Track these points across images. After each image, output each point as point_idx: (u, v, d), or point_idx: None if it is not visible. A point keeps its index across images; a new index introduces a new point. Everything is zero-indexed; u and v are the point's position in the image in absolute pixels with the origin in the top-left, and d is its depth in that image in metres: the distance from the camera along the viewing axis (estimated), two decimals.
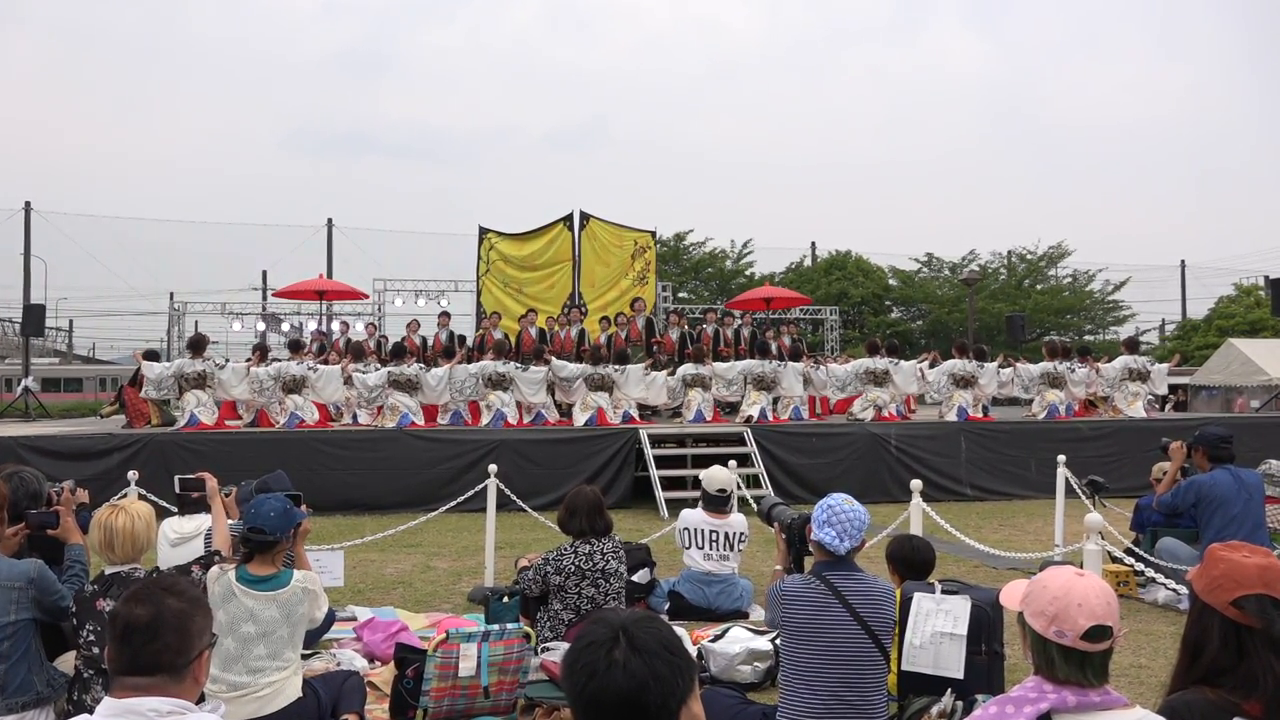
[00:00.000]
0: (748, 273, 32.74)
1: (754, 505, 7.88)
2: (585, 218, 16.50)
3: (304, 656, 3.85)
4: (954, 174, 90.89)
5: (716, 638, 4.62)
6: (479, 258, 16.35)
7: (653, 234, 17.04)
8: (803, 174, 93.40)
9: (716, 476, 5.81)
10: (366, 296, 18.48)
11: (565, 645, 4.11)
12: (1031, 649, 1.93)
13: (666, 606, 5.62)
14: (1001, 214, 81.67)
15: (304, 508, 3.95)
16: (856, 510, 3.23)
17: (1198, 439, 5.82)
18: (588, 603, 4.44)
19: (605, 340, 13.43)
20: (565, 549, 4.53)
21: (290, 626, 3.43)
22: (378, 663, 4.63)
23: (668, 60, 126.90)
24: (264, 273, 33.47)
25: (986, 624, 3.58)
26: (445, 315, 15.41)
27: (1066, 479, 7.39)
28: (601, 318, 14.93)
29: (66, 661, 3.70)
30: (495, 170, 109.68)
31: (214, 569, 3.54)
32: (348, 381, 11.41)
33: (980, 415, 11.99)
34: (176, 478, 4.49)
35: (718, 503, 5.78)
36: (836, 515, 3.20)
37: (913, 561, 4.05)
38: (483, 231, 16.42)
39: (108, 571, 3.55)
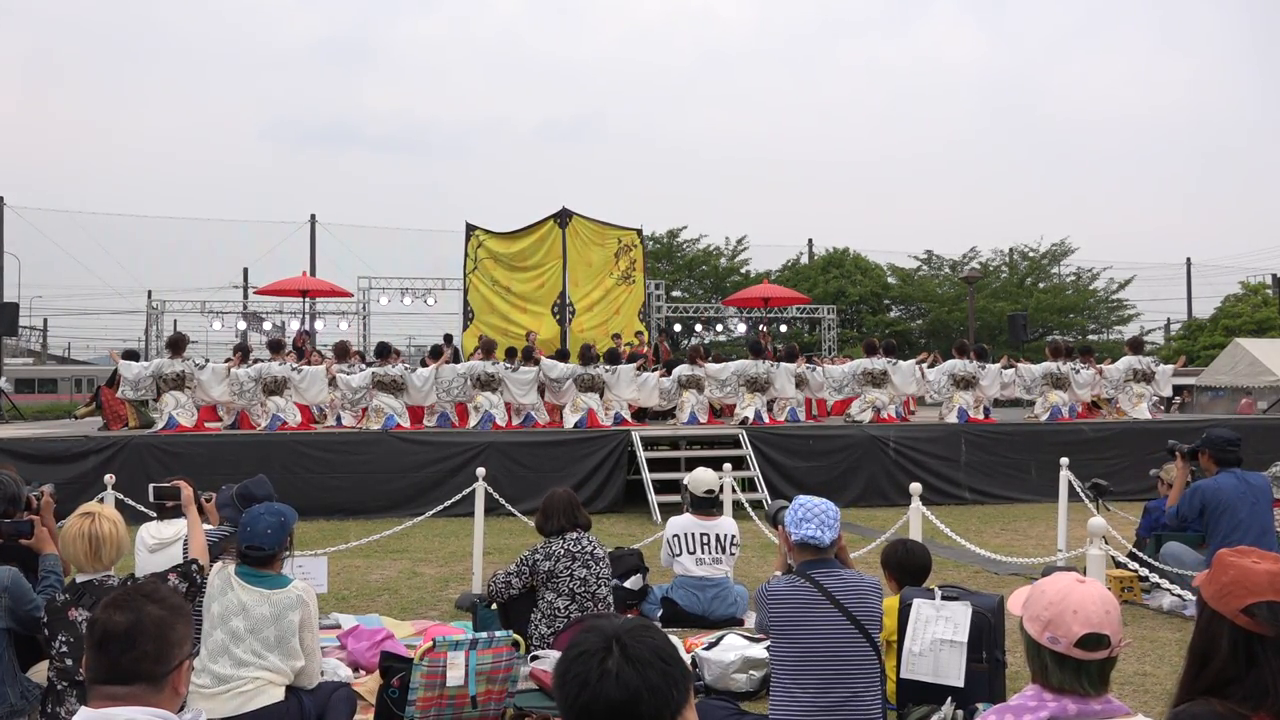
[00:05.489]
0: (743, 270, 32.61)
1: (748, 509, 7.83)
2: (569, 215, 16.19)
3: None
4: (954, 168, 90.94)
5: (711, 645, 4.57)
6: (466, 255, 16.09)
7: (638, 232, 16.72)
8: (798, 169, 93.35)
9: (702, 478, 5.72)
10: (350, 295, 18.39)
11: (556, 654, 4.04)
12: (1027, 654, 1.91)
13: (660, 613, 5.54)
14: (1003, 210, 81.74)
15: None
16: (826, 503, 3.32)
17: (1205, 442, 5.71)
18: (580, 584, 4.48)
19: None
20: (551, 539, 4.63)
21: (278, 630, 3.39)
22: (362, 672, 4.58)
23: (658, 52, 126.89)
24: (245, 270, 33.52)
25: (987, 631, 3.55)
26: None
27: (1069, 482, 7.27)
28: (614, 334, 14.94)
29: (40, 672, 3.62)
30: (484, 164, 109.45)
31: (217, 563, 3.58)
32: (332, 382, 11.26)
33: (981, 417, 11.88)
34: (151, 485, 4.40)
35: (705, 505, 5.71)
36: (810, 511, 3.28)
37: (908, 566, 3.97)
38: (470, 228, 16.16)
39: (79, 580, 3.47)
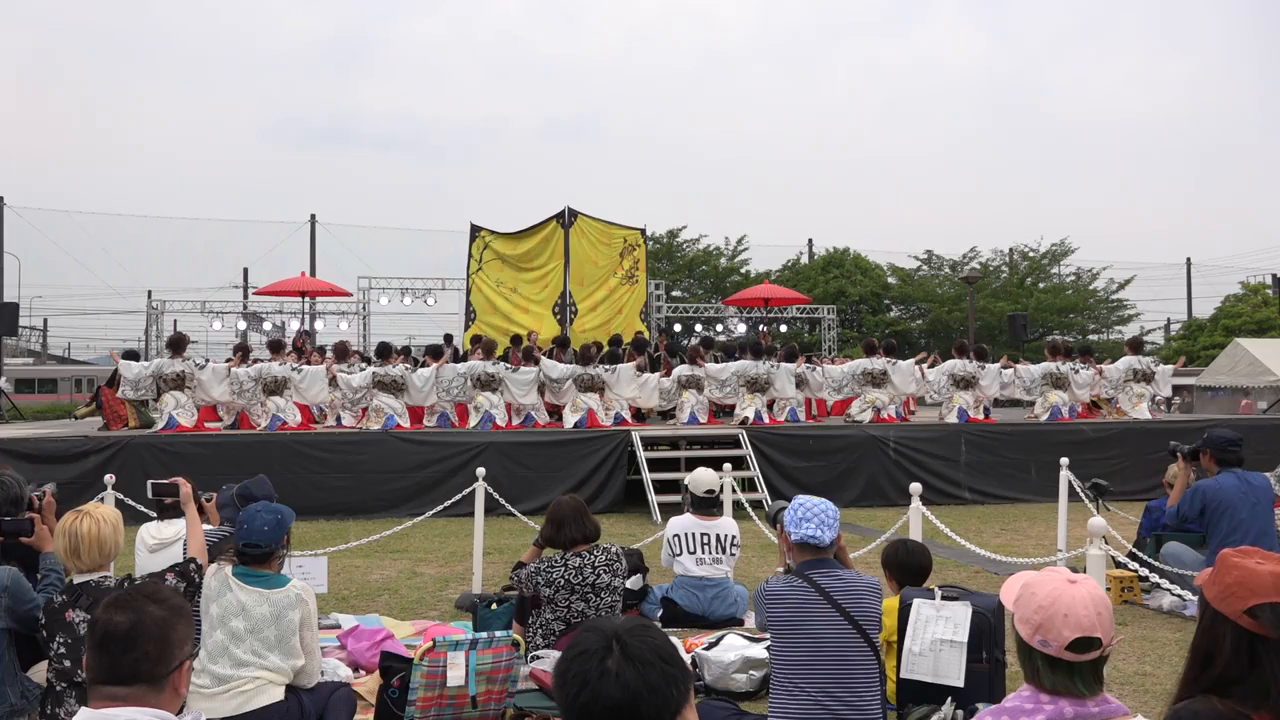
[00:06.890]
0: (743, 270, 32.59)
1: (748, 509, 7.83)
2: (573, 214, 16.18)
3: None
4: (954, 169, 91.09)
5: (711, 645, 4.55)
6: (470, 255, 16.08)
7: (642, 231, 16.76)
8: (799, 169, 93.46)
9: (703, 478, 5.71)
10: (350, 295, 18.40)
11: (556, 654, 4.02)
12: (1019, 655, 1.90)
13: (660, 613, 5.52)
14: (1003, 210, 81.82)
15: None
16: (825, 503, 3.32)
17: (1206, 442, 5.70)
18: (578, 616, 4.34)
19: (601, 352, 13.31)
20: (556, 561, 4.39)
21: (278, 629, 3.39)
22: (362, 672, 4.57)
23: (658, 52, 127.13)
24: (245, 270, 33.60)
25: (988, 631, 3.54)
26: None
27: (1069, 482, 7.27)
28: (613, 335, 14.95)
29: (39, 672, 3.61)
30: (485, 164, 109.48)
31: (213, 564, 3.56)
32: (332, 382, 11.25)
33: (981, 417, 11.87)
34: (149, 482, 4.39)
35: (706, 504, 5.69)
36: (810, 510, 3.27)
37: (908, 566, 3.96)
38: (475, 229, 16.18)
39: (76, 581, 3.46)
